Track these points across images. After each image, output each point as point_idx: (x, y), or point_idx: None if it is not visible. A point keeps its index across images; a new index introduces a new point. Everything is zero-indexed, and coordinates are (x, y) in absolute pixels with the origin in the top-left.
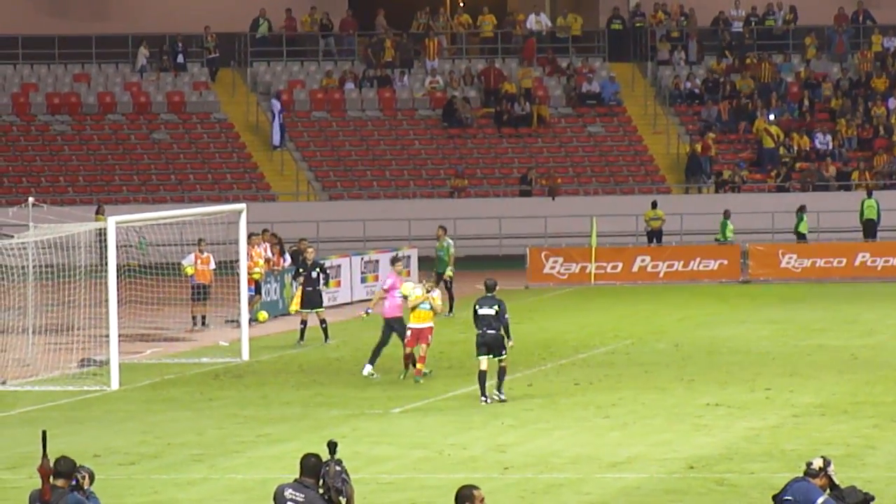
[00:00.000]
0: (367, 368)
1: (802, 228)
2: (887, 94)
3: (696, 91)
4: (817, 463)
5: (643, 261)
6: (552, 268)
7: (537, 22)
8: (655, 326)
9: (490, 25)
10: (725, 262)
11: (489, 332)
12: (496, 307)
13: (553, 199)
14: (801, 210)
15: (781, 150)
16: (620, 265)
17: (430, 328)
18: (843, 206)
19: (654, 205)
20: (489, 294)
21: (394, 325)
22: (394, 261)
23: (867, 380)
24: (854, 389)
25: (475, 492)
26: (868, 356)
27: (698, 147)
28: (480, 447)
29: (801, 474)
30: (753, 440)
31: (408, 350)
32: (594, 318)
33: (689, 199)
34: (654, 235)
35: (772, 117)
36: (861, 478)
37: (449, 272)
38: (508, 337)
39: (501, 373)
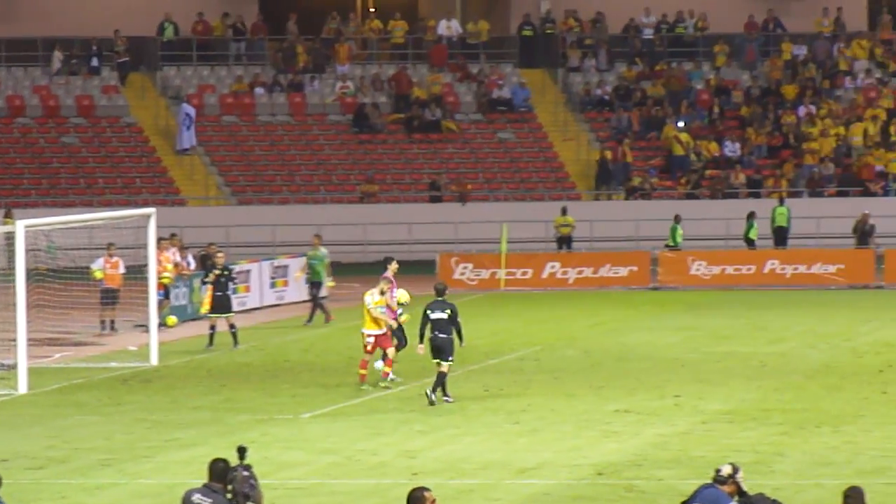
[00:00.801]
0: (389, 375)
1: (752, 234)
2: (797, 101)
3: (607, 98)
4: (726, 470)
5: (553, 267)
6: (462, 274)
7: (448, 27)
8: (565, 333)
9: (401, 31)
10: (635, 268)
11: (441, 335)
12: (448, 311)
13: (463, 204)
14: (751, 216)
15: (693, 157)
16: (530, 271)
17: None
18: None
19: (564, 211)
20: (440, 298)
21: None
22: (388, 261)
23: (776, 387)
24: (763, 396)
25: (426, 493)
26: (777, 363)
27: (608, 154)
28: (390, 453)
29: (709, 481)
30: (662, 447)
31: (368, 357)
32: (504, 324)
33: (599, 206)
34: (564, 242)
35: (681, 124)
36: (769, 485)
37: (330, 282)
38: (461, 339)
39: (441, 377)
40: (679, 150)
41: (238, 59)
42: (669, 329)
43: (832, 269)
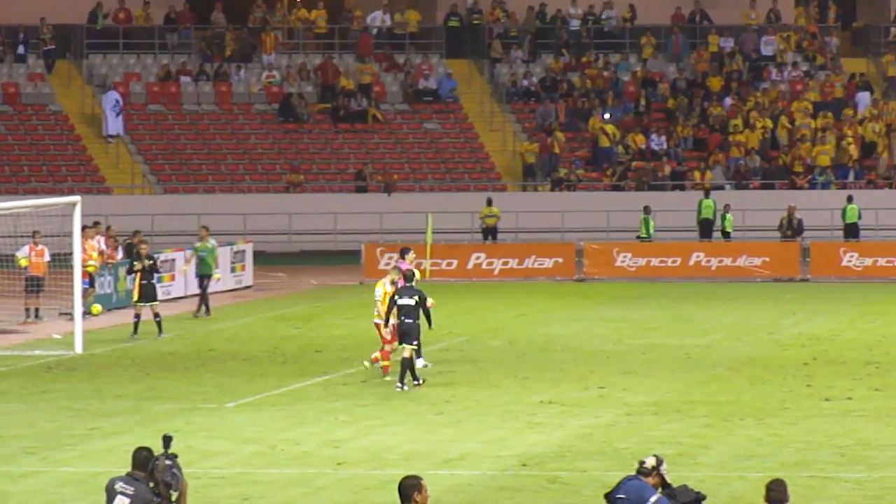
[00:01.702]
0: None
1: (727, 226)
2: (723, 94)
3: (533, 89)
4: (650, 461)
5: (478, 258)
6: (387, 264)
7: (380, 19)
8: (490, 324)
9: (324, 21)
10: (560, 260)
11: (407, 321)
12: (416, 297)
13: (389, 195)
14: (726, 209)
15: (619, 149)
16: (456, 262)
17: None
18: (678, 205)
19: (490, 202)
20: (409, 284)
21: None
22: (404, 252)
23: (700, 379)
24: (687, 388)
25: (422, 482)
26: (701, 355)
27: (534, 146)
28: (314, 443)
29: (633, 473)
30: (587, 438)
31: (390, 348)
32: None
33: (525, 197)
34: (490, 233)
35: (607, 116)
36: (693, 477)
37: (217, 275)
38: (430, 324)
39: (405, 362)
40: (605, 142)
41: (164, 48)
42: (594, 321)
43: (757, 261)
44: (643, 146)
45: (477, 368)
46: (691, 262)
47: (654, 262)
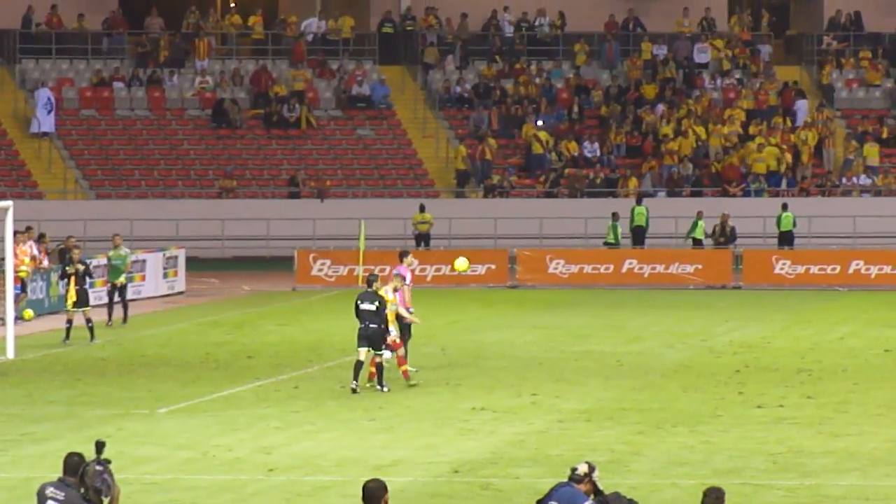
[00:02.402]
0: (386, 354)
1: (698, 234)
2: (656, 101)
3: (466, 96)
4: (582, 468)
5: (411, 264)
6: (320, 270)
7: (318, 25)
8: (422, 330)
9: (261, 27)
10: (493, 266)
11: (371, 326)
12: (377, 303)
13: (322, 201)
14: (699, 216)
15: (553, 156)
16: (388, 268)
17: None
18: (611, 212)
19: (422, 208)
20: (370, 289)
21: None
22: (403, 255)
23: (633, 386)
24: (620, 395)
25: (386, 486)
26: (634, 362)
27: (463, 150)
28: (246, 449)
29: (565, 479)
30: (519, 445)
31: (402, 353)
32: None
33: (458, 204)
34: (422, 239)
35: (540, 123)
36: (625, 484)
37: (122, 279)
38: (388, 331)
39: (379, 368)
40: (538, 149)
41: (98, 53)
42: (527, 327)
43: (690, 269)
44: (576, 153)
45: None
46: (624, 270)
47: (588, 268)
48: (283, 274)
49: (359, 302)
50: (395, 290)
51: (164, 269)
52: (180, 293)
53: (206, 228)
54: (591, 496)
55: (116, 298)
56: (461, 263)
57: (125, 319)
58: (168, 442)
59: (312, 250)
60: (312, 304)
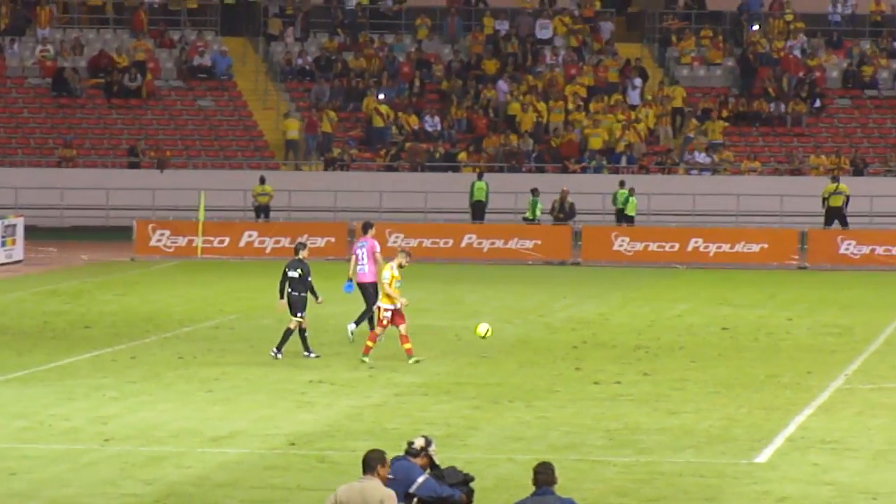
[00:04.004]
0: (351, 326)
1: (630, 210)
2: (498, 77)
3: (308, 68)
4: (419, 442)
5: (250, 236)
6: (159, 240)
7: None
8: (261, 302)
9: None
10: (333, 239)
11: (293, 293)
12: (300, 270)
13: (161, 171)
14: (630, 192)
15: (393, 130)
16: (228, 240)
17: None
18: (451, 187)
19: (262, 180)
20: (297, 257)
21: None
22: (367, 227)
23: (470, 361)
24: (457, 370)
25: (386, 456)
26: (472, 337)
27: (293, 123)
28: (82, 418)
29: (402, 453)
30: (356, 418)
31: (380, 331)
32: (200, 292)
33: (298, 176)
34: (262, 211)
35: (381, 97)
36: (462, 458)
37: None
38: (315, 296)
39: (301, 333)
40: (379, 122)
41: None
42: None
43: (529, 244)
44: (417, 127)
45: (247, 346)
46: (463, 245)
47: (427, 243)
48: (122, 244)
49: (287, 269)
50: (401, 266)
51: (3, 237)
52: (18, 262)
53: (46, 197)
54: (428, 470)
55: None
56: (483, 329)
57: None
58: (4, 411)
59: (151, 220)
60: (151, 275)
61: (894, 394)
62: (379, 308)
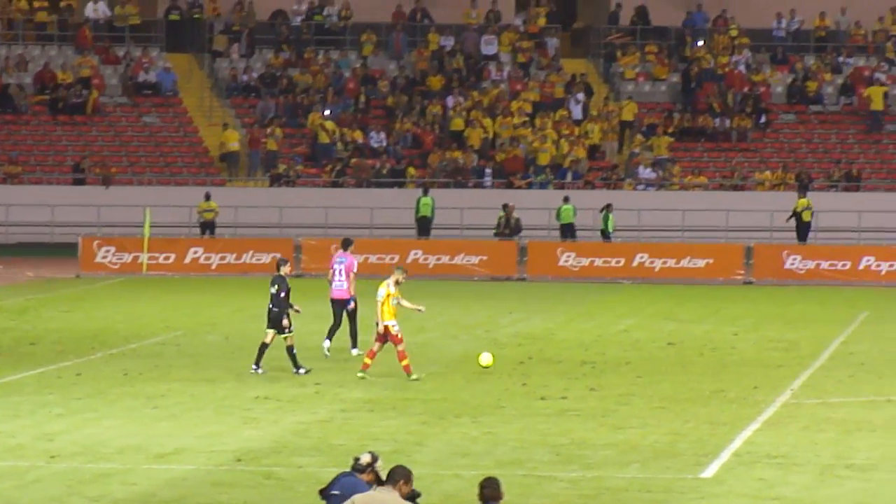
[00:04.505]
0: (326, 343)
1: (609, 227)
2: (443, 92)
3: (253, 84)
4: (365, 458)
5: (196, 252)
6: (104, 257)
7: (95, 10)
8: (207, 318)
9: (45, 13)
10: (279, 255)
11: (273, 308)
12: (276, 286)
13: (107, 187)
14: (607, 209)
15: (339, 146)
16: (173, 256)
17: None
18: (397, 202)
19: (208, 196)
20: (277, 273)
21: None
22: (347, 244)
23: (417, 376)
24: (403, 386)
25: (411, 475)
26: (418, 353)
27: (235, 135)
28: (27, 435)
29: (348, 469)
30: (302, 434)
31: (377, 348)
32: (146, 308)
33: (244, 192)
34: (208, 227)
35: (327, 112)
36: None
37: None
38: (291, 307)
39: (289, 351)
40: (325, 138)
41: None
42: (311, 318)
43: (475, 260)
44: (362, 143)
45: (193, 363)
46: (409, 260)
47: (373, 258)
48: (68, 260)
49: (270, 285)
50: (397, 282)
51: None
52: None
53: None
54: (374, 486)
55: None
56: (486, 359)
57: None
58: None
59: (97, 237)
60: (96, 291)
61: (840, 408)
62: (387, 327)
